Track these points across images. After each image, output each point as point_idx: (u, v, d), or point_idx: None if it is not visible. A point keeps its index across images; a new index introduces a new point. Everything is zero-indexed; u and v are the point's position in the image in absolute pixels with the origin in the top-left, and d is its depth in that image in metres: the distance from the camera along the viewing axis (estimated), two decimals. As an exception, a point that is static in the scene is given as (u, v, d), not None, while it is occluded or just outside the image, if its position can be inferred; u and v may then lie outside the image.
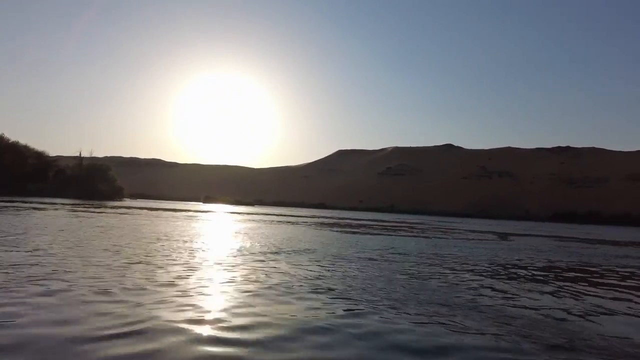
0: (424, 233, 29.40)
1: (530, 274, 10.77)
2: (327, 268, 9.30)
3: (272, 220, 35.57)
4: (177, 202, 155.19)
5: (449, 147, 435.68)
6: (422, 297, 6.82)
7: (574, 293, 8.24)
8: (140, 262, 8.48)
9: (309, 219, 47.31)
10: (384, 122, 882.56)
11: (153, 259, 9.03)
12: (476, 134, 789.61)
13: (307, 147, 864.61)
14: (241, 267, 8.72)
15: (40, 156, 79.07)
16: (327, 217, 57.60)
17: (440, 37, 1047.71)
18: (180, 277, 7.14)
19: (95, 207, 39.22)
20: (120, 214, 30.95)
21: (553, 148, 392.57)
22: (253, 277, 7.66)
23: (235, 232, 19.49)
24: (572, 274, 11.23)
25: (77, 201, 55.74)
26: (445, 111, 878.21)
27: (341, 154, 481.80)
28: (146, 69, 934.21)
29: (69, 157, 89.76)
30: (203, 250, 11.10)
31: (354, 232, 25.42)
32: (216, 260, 9.45)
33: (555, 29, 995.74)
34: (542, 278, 10.10)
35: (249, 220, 34.49)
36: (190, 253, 10.44)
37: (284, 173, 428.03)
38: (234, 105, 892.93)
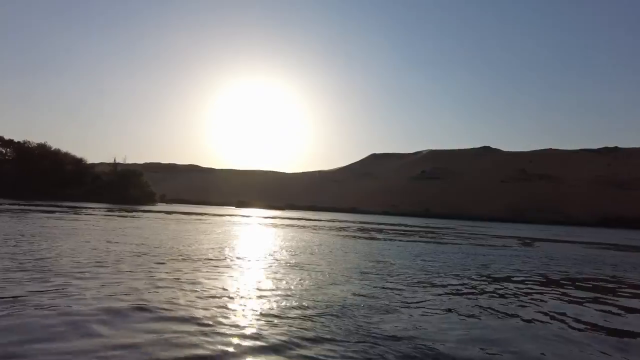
0: (440, 238, 27.95)
1: (487, 287, 9.54)
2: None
3: (300, 225, 35.16)
4: (212, 206, 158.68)
5: (486, 149, 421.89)
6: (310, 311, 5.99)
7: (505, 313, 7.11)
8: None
9: (338, 223, 46.54)
10: (418, 125, 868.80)
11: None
12: (515, 136, 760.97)
13: (339, 151, 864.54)
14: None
15: (78, 163, 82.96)
16: (354, 222, 56.58)
17: (477, 37, 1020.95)
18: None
19: (141, 212, 40.18)
20: (173, 219, 31.43)
21: (599, 149, 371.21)
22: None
23: (261, 239, 19.06)
24: (550, 289, 9.72)
25: (110, 206, 57.80)
26: (482, 112, 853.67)
27: (374, 158, 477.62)
28: (185, 80, 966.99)
29: (106, 164, 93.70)
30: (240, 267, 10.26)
31: (369, 238, 24.43)
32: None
33: (601, 27, 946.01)
34: (494, 292, 8.89)
35: (277, 225, 34.28)
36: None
37: (315, 178, 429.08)
38: (269, 111, 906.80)
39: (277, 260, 11.42)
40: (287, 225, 34.88)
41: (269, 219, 50.98)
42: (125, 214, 37.04)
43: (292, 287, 7.68)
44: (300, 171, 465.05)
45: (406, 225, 53.69)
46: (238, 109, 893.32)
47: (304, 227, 34.26)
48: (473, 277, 10.39)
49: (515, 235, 43.69)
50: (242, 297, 6.59)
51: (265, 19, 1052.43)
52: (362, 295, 7.29)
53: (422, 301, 7.17)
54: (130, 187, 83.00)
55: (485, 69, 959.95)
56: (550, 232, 61.86)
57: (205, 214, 55.57)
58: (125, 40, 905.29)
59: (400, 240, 23.38)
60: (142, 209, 60.65)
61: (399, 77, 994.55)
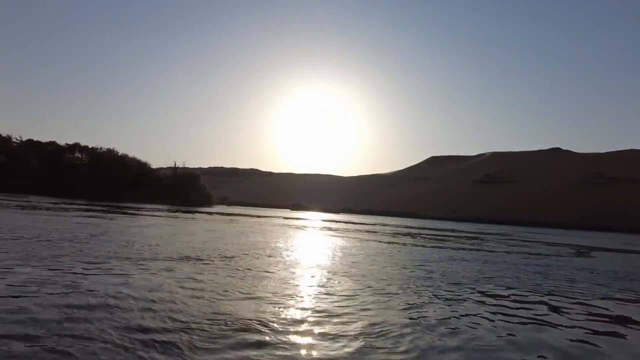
0: (478, 245, 26.28)
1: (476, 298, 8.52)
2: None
3: (356, 230, 34.96)
4: (269, 209, 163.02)
5: (556, 151, 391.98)
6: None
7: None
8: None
9: (392, 228, 45.66)
10: (480, 125, 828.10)
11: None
12: (588, 136, 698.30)
13: (396, 154, 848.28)
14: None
15: (143, 166, 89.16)
16: (408, 227, 55.12)
17: (545, 29, 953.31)
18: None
19: (205, 214, 42.48)
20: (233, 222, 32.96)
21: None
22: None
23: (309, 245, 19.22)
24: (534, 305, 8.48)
25: (172, 207, 61.58)
26: (551, 111, 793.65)
27: (433, 161, 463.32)
28: (246, 86, 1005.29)
29: (167, 168, 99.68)
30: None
31: (410, 245, 23.55)
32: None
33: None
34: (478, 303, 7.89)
35: (333, 228, 34.33)
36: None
37: (372, 181, 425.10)
38: (326, 115, 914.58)
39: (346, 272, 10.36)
40: (345, 230, 34.67)
41: (325, 222, 51.19)
42: (205, 216, 38.92)
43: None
44: (357, 175, 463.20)
45: (454, 231, 51.23)
46: (297, 113, 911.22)
47: (359, 231, 33.88)
48: (442, 286, 9.46)
49: (576, 243, 39.95)
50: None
51: (322, 22, 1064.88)
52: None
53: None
54: (189, 190, 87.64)
55: (554, 62, 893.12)
56: (621, 241, 55.93)
57: (263, 216, 57.00)
58: (189, 48, 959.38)
59: (422, 246, 22.24)
60: (206, 210, 63.78)
61: (459, 76, 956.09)
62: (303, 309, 6.16)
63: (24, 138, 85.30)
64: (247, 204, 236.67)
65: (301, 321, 5.49)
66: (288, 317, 5.66)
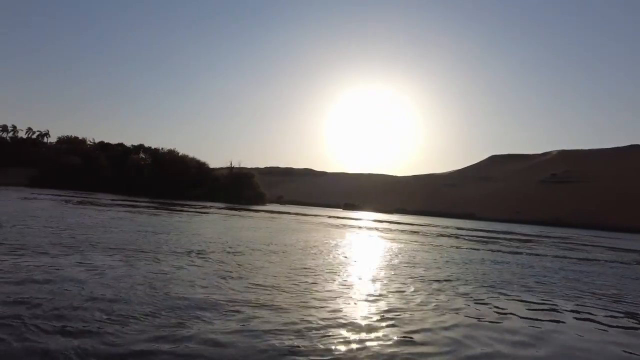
0: (527, 248, 24.28)
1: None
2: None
3: (397, 229, 33.85)
4: (321, 208, 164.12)
5: (635, 148, 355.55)
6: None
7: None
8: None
9: (453, 230, 43.71)
10: (547, 121, 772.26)
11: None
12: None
13: (454, 153, 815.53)
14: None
15: (201, 166, 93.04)
16: (460, 229, 52.46)
17: (617, 19, 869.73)
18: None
19: (265, 212, 43.52)
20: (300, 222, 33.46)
21: None
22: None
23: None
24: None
25: (229, 205, 63.66)
26: (628, 104, 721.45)
27: (494, 160, 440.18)
28: (300, 87, 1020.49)
29: (224, 168, 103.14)
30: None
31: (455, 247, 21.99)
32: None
33: None
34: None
35: (369, 227, 33.56)
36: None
37: (428, 181, 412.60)
38: (380, 114, 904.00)
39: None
40: (386, 229, 33.58)
41: (370, 221, 50.11)
42: (264, 214, 39.70)
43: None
44: (412, 174, 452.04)
45: (510, 233, 48.05)
46: (351, 112, 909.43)
47: (400, 231, 32.61)
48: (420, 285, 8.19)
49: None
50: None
51: (378, 19, 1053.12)
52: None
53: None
54: (244, 188, 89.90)
55: (631, 49, 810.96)
56: None
57: (313, 215, 57.07)
58: (245, 51, 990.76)
59: (457, 247, 20.55)
60: (261, 208, 65.13)
61: (521, 68, 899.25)
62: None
63: (96, 140, 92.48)
64: (301, 203, 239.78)
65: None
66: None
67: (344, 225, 33.73)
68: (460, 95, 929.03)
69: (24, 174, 72.58)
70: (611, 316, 7.17)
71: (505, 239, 33.47)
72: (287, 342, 4.33)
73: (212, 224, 21.50)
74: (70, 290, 5.47)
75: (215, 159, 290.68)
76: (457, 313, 6.34)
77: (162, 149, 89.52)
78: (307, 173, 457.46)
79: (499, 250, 20.04)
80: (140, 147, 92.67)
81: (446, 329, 5.43)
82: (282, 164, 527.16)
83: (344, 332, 4.82)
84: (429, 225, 56.16)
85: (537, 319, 6.42)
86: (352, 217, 66.36)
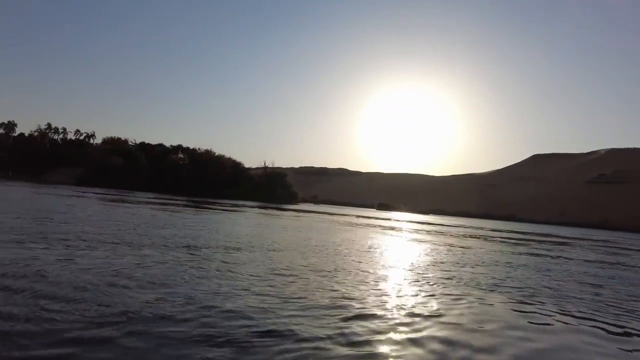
0: (558, 251, 23.29)
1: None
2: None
3: (423, 229, 33.36)
4: (354, 208, 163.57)
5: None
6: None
7: None
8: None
9: (496, 233, 42.55)
10: (593, 119, 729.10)
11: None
12: None
13: (494, 152, 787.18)
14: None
15: (237, 166, 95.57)
16: (495, 230, 50.83)
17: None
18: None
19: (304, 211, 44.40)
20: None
21: None
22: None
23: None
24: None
25: (263, 204, 64.94)
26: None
27: (537, 159, 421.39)
28: (335, 85, 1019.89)
29: (258, 168, 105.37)
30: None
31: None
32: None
33: None
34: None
35: (391, 227, 33.24)
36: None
37: (467, 181, 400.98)
38: (417, 112, 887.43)
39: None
40: (411, 230, 33.10)
41: (406, 222, 49.49)
42: (297, 214, 40.48)
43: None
44: (450, 174, 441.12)
45: (547, 235, 45.80)
46: (387, 111, 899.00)
47: (426, 231, 32.04)
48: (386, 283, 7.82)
49: None
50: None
51: (414, 17, 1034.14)
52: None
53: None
54: (277, 188, 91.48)
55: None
56: None
57: (345, 214, 57.14)
58: (280, 51, 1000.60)
59: (480, 248, 19.74)
60: (295, 207, 65.86)
61: (566, 61, 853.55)
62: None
63: (138, 141, 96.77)
64: (335, 202, 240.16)
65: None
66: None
67: (373, 226, 33.52)
68: (502, 92, 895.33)
69: (72, 173, 77.34)
70: (593, 324, 6.68)
71: (538, 241, 32.07)
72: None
73: (232, 222, 22.07)
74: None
75: (252, 159, 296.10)
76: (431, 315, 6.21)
77: (199, 149, 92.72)
78: (342, 173, 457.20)
79: (523, 253, 19.26)
80: (178, 148, 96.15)
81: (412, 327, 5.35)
82: (317, 163, 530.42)
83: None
84: (461, 226, 54.66)
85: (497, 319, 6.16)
86: (383, 217, 65.75)
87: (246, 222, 23.72)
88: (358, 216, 56.64)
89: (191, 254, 9.52)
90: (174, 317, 4.74)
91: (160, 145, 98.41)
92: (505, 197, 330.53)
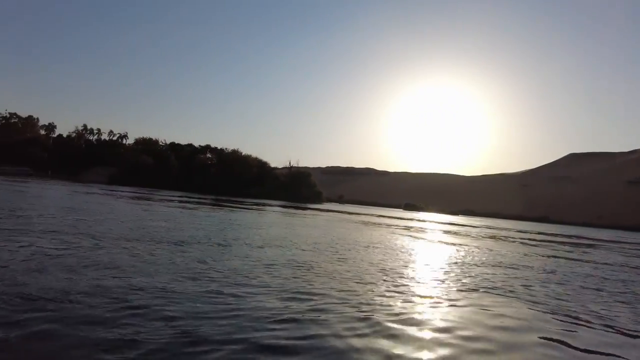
0: (579, 254, 22.48)
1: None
2: None
3: (444, 230, 33.02)
4: (380, 208, 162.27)
5: None
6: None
7: None
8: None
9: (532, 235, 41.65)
10: (635, 115, 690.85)
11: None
12: None
13: (527, 151, 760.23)
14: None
15: (262, 166, 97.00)
16: (521, 232, 49.47)
17: None
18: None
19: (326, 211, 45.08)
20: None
21: None
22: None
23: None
24: None
25: (286, 203, 65.85)
26: None
27: (573, 158, 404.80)
28: (361, 83, 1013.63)
29: (284, 168, 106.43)
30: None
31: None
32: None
33: None
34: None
35: (408, 227, 33.03)
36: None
37: (498, 181, 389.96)
38: (447, 111, 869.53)
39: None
40: (441, 231, 32.71)
41: (429, 222, 48.91)
42: (320, 212, 41.08)
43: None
44: (481, 174, 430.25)
45: (582, 237, 43.88)
46: (415, 110, 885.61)
47: (448, 232, 31.60)
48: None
49: None
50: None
51: (443, 11, 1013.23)
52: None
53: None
54: (302, 187, 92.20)
55: None
56: None
57: (368, 214, 57.06)
58: (301, 44, 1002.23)
59: (489, 250, 19.24)
60: (321, 207, 66.23)
61: (603, 56, 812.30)
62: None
63: (168, 141, 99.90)
64: (361, 202, 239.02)
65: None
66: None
67: (388, 225, 33.37)
68: (536, 88, 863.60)
69: (105, 173, 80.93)
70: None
71: (563, 242, 30.97)
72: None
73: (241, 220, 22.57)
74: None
75: (279, 159, 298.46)
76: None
77: (226, 149, 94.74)
78: (369, 172, 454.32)
79: (537, 254, 18.76)
80: (207, 148, 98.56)
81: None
82: (344, 163, 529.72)
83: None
84: (486, 227, 53.39)
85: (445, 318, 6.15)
86: (405, 217, 65.07)
87: (263, 219, 24.21)
88: (379, 216, 56.36)
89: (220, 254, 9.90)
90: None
91: (190, 146, 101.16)
92: (539, 198, 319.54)
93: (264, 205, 48.40)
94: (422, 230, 30.98)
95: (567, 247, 26.34)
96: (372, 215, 57.69)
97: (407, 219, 53.52)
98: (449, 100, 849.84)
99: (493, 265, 12.47)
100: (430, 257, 13.66)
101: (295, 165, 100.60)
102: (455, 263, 12.31)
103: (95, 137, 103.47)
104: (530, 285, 9.43)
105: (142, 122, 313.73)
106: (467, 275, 10.07)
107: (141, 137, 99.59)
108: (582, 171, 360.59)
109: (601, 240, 44.73)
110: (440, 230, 32.64)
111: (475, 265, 12.24)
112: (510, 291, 8.51)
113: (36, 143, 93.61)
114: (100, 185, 59.16)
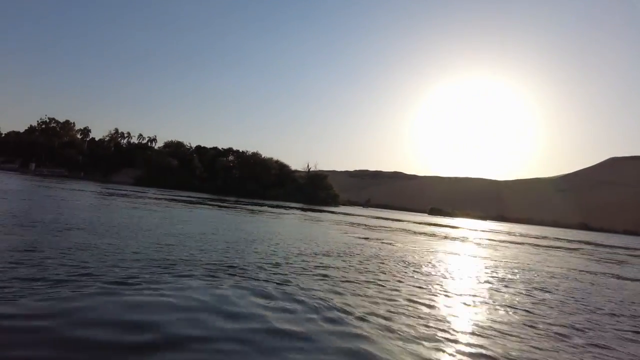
0: (614, 264, 20.94)
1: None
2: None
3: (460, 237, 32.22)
4: (404, 212, 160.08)
5: None
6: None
7: None
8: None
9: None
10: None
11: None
12: None
13: (566, 155, 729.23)
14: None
15: (282, 168, 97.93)
16: (547, 238, 47.53)
17: None
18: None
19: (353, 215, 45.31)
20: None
21: None
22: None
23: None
24: None
25: (305, 205, 65.96)
26: None
27: (615, 163, 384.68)
28: (390, 86, 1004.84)
29: (303, 170, 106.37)
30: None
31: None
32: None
33: None
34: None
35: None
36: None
37: (533, 186, 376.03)
38: (480, 113, 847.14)
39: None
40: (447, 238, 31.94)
41: (439, 227, 47.84)
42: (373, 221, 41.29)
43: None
44: (514, 178, 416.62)
45: (620, 248, 41.55)
46: (445, 113, 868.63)
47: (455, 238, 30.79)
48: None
49: None
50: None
51: (477, 11, 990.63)
52: None
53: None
54: (319, 190, 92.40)
55: None
56: None
57: (380, 218, 56.45)
58: (332, 49, 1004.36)
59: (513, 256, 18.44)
60: (337, 210, 65.70)
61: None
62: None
63: (194, 144, 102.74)
64: (388, 206, 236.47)
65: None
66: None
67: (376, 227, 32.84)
68: (575, 88, 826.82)
69: (132, 174, 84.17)
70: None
71: (594, 250, 29.33)
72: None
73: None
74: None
75: (305, 162, 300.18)
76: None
77: (247, 151, 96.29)
78: (397, 176, 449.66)
79: (541, 262, 17.84)
80: (229, 150, 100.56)
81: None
82: (372, 167, 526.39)
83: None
84: (506, 232, 51.55)
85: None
86: (430, 222, 63.54)
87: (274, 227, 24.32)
88: (395, 220, 55.53)
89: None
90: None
91: (214, 149, 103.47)
92: (577, 203, 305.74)
93: (281, 207, 48.73)
94: (421, 235, 30.19)
95: (606, 256, 24.82)
96: (384, 219, 56.90)
97: (425, 224, 52.45)
98: (482, 103, 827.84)
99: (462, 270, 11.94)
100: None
101: (314, 168, 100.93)
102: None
103: (126, 140, 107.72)
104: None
105: (174, 127, 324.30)
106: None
107: (170, 140, 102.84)
108: (625, 176, 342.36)
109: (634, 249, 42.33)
110: (447, 237, 31.78)
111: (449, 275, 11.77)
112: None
113: (72, 146, 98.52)
114: (123, 186, 60.96)
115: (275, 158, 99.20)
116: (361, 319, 5.64)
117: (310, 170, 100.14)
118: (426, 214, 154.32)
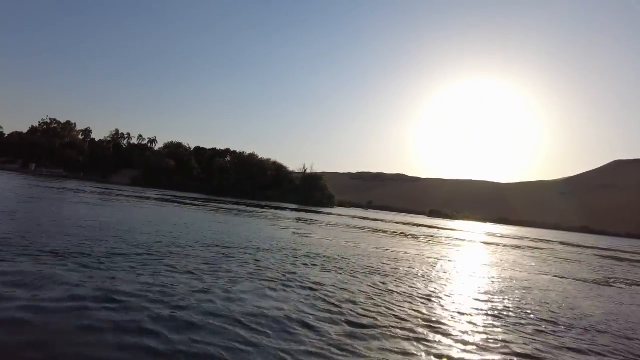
0: (622, 269, 21.20)
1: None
2: None
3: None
4: (402, 214, 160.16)
5: None
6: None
7: None
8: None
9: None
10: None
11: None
12: None
13: (569, 157, 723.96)
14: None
15: (279, 169, 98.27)
16: (545, 240, 47.74)
17: None
18: None
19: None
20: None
21: None
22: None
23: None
24: None
25: (301, 207, 65.83)
26: None
27: (619, 166, 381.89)
28: (392, 88, 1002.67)
29: (300, 172, 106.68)
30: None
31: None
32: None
33: None
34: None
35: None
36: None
37: (536, 188, 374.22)
38: (482, 115, 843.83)
39: None
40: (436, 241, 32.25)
41: (412, 226, 48.10)
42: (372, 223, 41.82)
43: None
44: (517, 181, 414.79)
45: (613, 251, 41.65)
46: (448, 115, 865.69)
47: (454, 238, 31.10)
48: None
49: None
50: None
51: (479, 14, 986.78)
52: None
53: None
54: (314, 191, 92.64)
55: None
56: None
57: (374, 219, 56.73)
58: (329, 51, 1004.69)
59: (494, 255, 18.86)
60: (323, 211, 65.90)
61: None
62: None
63: (193, 145, 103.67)
64: (390, 208, 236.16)
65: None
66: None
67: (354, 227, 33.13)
68: (578, 90, 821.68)
69: (130, 175, 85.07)
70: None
71: (604, 255, 29.53)
72: None
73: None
74: None
75: (306, 164, 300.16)
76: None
77: (243, 152, 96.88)
78: (399, 178, 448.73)
79: (524, 263, 18.28)
80: (227, 151, 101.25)
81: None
82: (374, 169, 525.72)
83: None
84: (505, 236, 51.82)
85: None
86: (424, 224, 63.77)
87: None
88: (386, 221, 55.82)
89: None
90: None
91: (213, 149, 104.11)
92: (580, 206, 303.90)
93: (266, 207, 49.18)
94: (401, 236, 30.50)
95: (605, 261, 25.14)
96: (377, 220, 57.21)
97: (414, 225, 52.70)
98: (485, 106, 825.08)
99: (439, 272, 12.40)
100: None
101: (310, 169, 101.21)
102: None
103: (126, 141, 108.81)
104: None
105: (176, 129, 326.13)
106: None
107: (169, 141, 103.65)
108: (629, 179, 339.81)
109: (631, 252, 42.44)
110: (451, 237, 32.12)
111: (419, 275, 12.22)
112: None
113: (73, 147, 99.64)
114: (119, 186, 61.45)
115: (272, 159, 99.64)
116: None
117: (306, 171, 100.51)
118: (425, 216, 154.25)
